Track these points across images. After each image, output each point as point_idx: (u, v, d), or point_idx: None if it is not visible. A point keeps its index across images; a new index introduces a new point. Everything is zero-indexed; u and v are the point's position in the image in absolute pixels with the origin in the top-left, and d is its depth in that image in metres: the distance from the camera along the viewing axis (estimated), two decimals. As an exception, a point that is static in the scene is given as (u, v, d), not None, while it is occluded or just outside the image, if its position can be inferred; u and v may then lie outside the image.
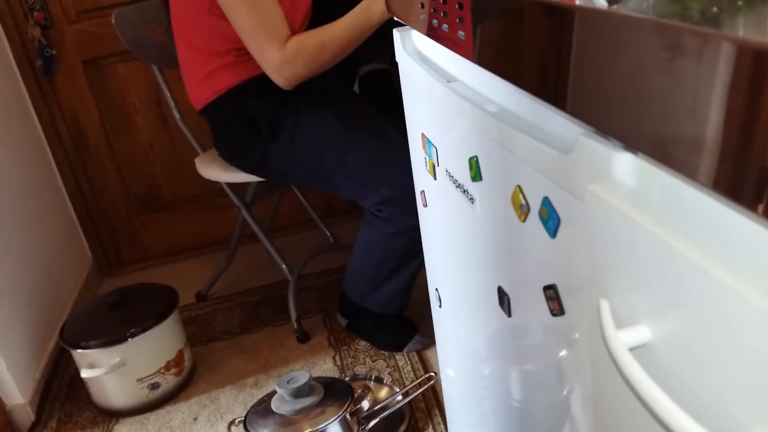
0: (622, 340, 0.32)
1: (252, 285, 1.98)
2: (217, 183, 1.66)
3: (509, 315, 0.61)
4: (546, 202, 0.47)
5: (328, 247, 1.98)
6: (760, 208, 0.26)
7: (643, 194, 0.35)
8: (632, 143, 0.33)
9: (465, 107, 0.60)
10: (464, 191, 0.66)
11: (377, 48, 1.32)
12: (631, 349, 0.32)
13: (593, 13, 0.35)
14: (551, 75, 0.41)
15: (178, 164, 2.13)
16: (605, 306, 0.35)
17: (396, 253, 1.44)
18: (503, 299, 0.62)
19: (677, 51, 0.29)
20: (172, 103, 1.72)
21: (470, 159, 0.62)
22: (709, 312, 0.28)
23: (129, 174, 2.13)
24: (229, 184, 1.66)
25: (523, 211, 0.52)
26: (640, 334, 0.33)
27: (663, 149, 0.30)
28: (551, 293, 0.50)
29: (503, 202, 0.56)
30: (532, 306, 0.55)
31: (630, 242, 0.34)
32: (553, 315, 0.51)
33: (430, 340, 1.56)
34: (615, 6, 0.36)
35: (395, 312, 1.56)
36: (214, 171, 1.59)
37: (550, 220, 0.47)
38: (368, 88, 1.66)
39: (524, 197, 0.51)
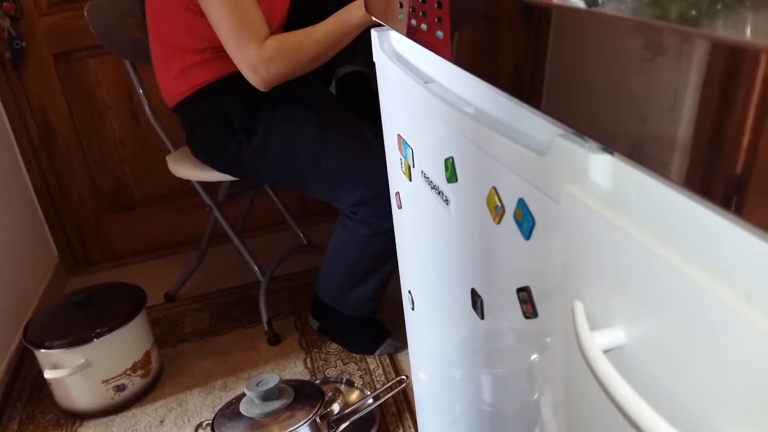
0: (597, 342, 0.32)
1: (222, 286, 1.96)
2: (188, 181, 1.64)
3: (482, 317, 0.61)
4: (521, 204, 0.47)
5: (301, 248, 1.97)
6: (733, 206, 0.26)
7: (620, 195, 0.35)
8: (608, 143, 0.33)
9: (442, 108, 0.60)
10: (439, 193, 0.66)
11: (354, 49, 1.31)
12: (605, 351, 0.32)
13: (571, 12, 0.35)
14: (528, 74, 0.41)
15: (148, 161, 2.10)
16: (579, 308, 0.35)
17: (370, 256, 1.44)
18: (476, 301, 0.62)
19: (655, 50, 0.29)
20: (144, 99, 1.69)
21: (446, 160, 0.62)
22: (684, 313, 0.28)
23: (98, 171, 2.08)
24: (201, 183, 1.63)
25: (497, 212, 0.52)
26: (614, 336, 0.32)
27: (639, 149, 0.30)
28: (524, 295, 0.50)
29: (478, 204, 0.56)
30: (505, 308, 0.55)
31: (606, 243, 0.34)
32: (526, 317, 0.50)
33: (402, 344, 1.56)
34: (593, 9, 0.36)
35: (368, 315, 1.55)
36: (186, 169, 1.56)
37: (525, 221, 0.47)
38: (345, 90, 1.66)
39: (499, 199, 0.51)
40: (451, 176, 0.61)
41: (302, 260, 1.98)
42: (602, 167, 0.36)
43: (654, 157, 0.29)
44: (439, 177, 0.65)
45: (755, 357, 0.25)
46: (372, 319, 1.58)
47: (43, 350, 1.39)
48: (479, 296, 0.61)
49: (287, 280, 1.94)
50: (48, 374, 1.40)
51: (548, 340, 0.48)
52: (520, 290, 0.51)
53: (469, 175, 0.57)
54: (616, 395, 0.29)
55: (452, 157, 0.60)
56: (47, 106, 1.96)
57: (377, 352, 1.56)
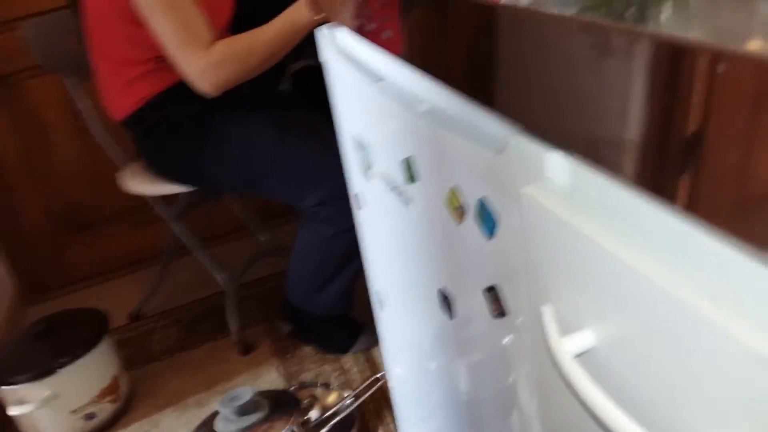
0: (567, 349, 0.31)
1: (190, 299, 1.91)
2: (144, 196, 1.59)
3: (451, 317, 0.60)
4: (482, 204, 0.46)
5: (266, 252, 1.93)
6: (681, 202, 0.25)
7: (578, 193, 0.34)
8: (561, 144, 0.32)
9: (395, 108, 0.59)
10: (399, 193, 0.65)
11: (304, 44, 1.28)
12: (577, 356, 0.31)
13: (516, 12, 0.34)
14: (480, 75, 0.40)
15: (101, 179, 2.03)
16: (548, 313, 0.34)
17: (337, 254, 1.42)
18: (445, 302, 0.61)
19: (602, 50, 0.28)
20: (90, 117, 1.63)
21: (404, 161, 0.61)
22: (648, 314, 0.27)
23: (50, 194, 2.01)
24: (158, 197, 1.59)
25: (458, 212, 0.51)
26: (584, 339, 0.32)
27: (594, 149, 0.29)
28: (492, 295, 0.49)
29: (439, 204, 0.54)
30: (473, 308, 0.54)
31: (567, 245, 0.33)
32: (495, 317, 0.50)
33: (376, 338, 1.54)
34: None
35: (341, 313, 1.54)
36: (140, 185, 1.52)
37: (487, 221, 0.46)
38: (300, 86, 1.62)
39: (460, 199, 0.50)
40: (411, 177, 0.60)
41: (269, 264, 1.95)
42: (559, 164, 0.35)
43: (607, 157, 0.28)
44: (398, 178, 0.64)
45: (719, 357, 0.24)
46: (344, 317, 1.57)
47: (5, 387, 1.34)
48: (447, 296, 0.60)
49: (256, 285, 1.91)
50: (13, 411, 1.34)
51: (518, 336, 0.47)
52: (487, 290, 0.50)
53: (428, 175, 0.56)
54: (588, 402, 0.28)
55: (410, 158, 0.59)
56: (-11, 131, 1.88)
57: (352, 350, 1.54)
